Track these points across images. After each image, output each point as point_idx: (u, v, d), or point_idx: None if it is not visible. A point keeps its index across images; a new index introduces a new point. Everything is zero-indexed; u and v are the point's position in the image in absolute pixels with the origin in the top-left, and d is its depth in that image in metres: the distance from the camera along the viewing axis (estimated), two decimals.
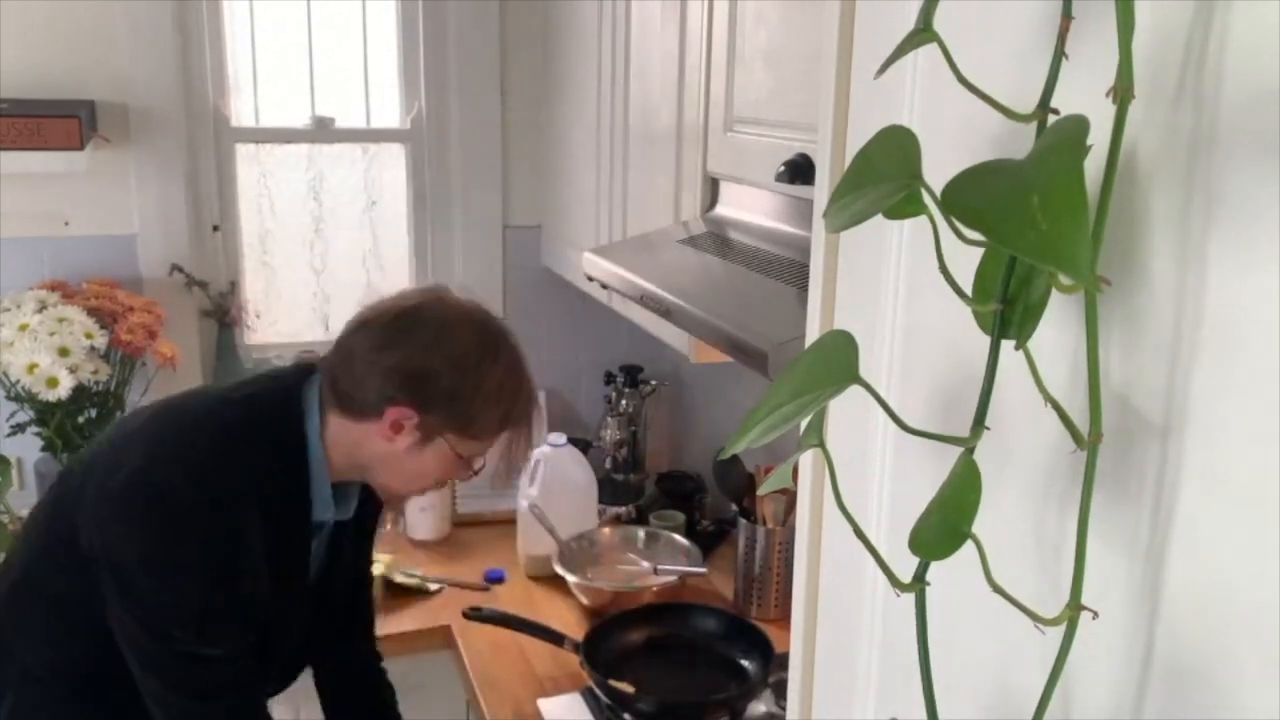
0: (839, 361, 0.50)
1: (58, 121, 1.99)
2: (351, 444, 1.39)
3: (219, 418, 1.38)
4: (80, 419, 2.08)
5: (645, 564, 2.14)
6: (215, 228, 2.37)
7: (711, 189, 1.65)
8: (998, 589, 0.47)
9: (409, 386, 1.35)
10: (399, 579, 2.08)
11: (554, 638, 1.81)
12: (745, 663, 1.81)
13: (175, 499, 1.29)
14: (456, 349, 1.36)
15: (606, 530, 2.25)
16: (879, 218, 0.49)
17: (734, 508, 2.13)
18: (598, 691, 1.70)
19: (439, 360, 1.35)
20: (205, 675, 1.33)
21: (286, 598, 1.41)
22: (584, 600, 2.03)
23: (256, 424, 1.38)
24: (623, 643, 1.84)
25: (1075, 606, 0.45)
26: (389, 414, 1.35)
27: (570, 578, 2.02)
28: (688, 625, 1.89)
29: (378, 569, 1.91)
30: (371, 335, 1.37)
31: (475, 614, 1.87)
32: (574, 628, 1.95)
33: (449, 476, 1.47)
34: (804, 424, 0.53)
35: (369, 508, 1.55)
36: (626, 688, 1.66)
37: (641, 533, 2.23)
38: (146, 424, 1.38)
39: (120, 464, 1.32)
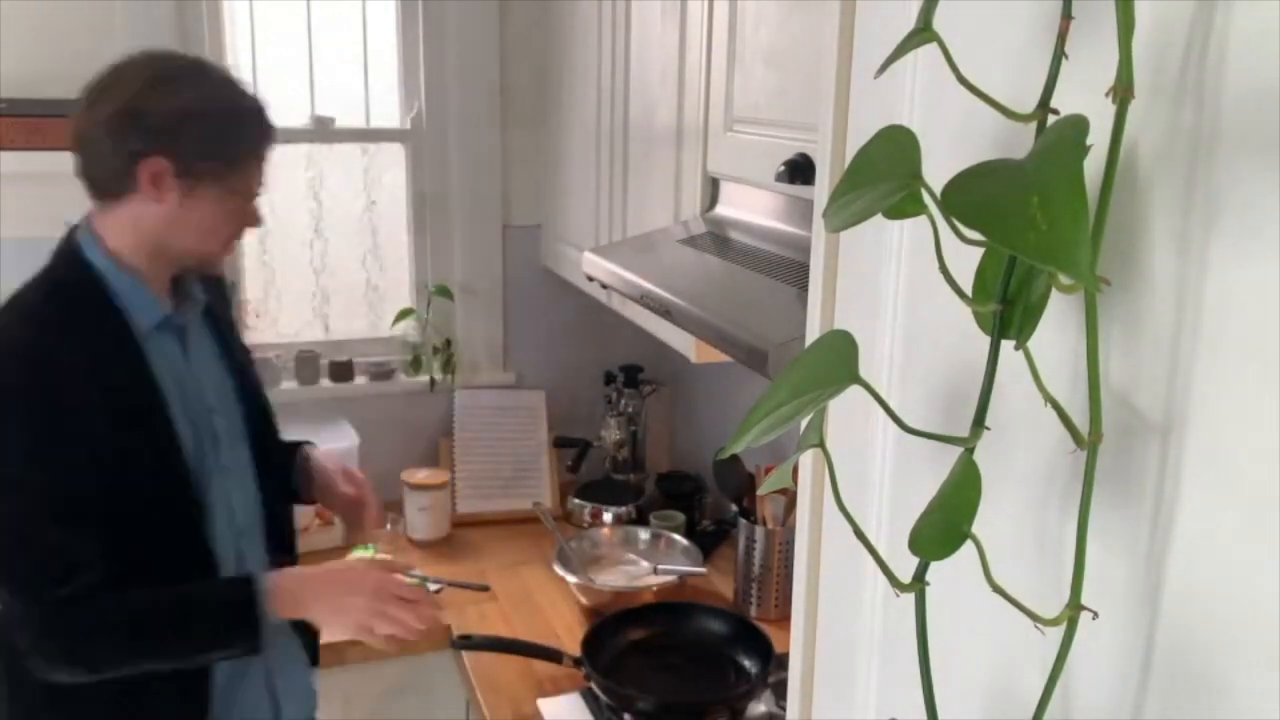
0: (839, 361, 0.50)
1: (58, 121, 1.98)
2: (133, 230, 1.38)
3: (15, 301, 1.40)
4: None
5: (645, 564, 2.14)
6: None
7: (711, 189, 1.65)
8: (997, 589, 0.47)
9: (139, 128, 1.33)
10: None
11: (550, 655, 1.78)
12: (745, 662, 1.81)
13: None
14: (163, 76, 1.36)
15: (606, 530, 2.25)
16: (879, 218, 0.49)
17: (734, 508, 2.13)
18: (598, 691, 1.70)
19: (153, 95, 1.34)
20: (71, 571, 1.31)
21: (157, 435, 1.38)
22: (583, 600, 2.03)
23: (50, 281, 1.40)
24: (622, 642, 1.84)
25: (1075, 606, 0.45)
26: (142, 172, 1.34)
27: (570, 578, 2.03)
28: (688, 625, 1.90)
29: None
30: (84, 107, 1.36)
31: (465, 643, 1.84)
32: (574, 627, 1.95)
33: (237, 221, 1.44)
34: (804, 424, 0.53)
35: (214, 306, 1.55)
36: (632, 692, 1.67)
37: (643, 533, 2.23)
38: None
39: None
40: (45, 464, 1.31)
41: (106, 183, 1.38)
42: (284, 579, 1.43)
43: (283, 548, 1.60)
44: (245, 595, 1.39)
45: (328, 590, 1.45)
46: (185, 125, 1.34)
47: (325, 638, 1.64)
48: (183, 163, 1.35)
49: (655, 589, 2.01)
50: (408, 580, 1.57)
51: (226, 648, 1.41)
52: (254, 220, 1.47)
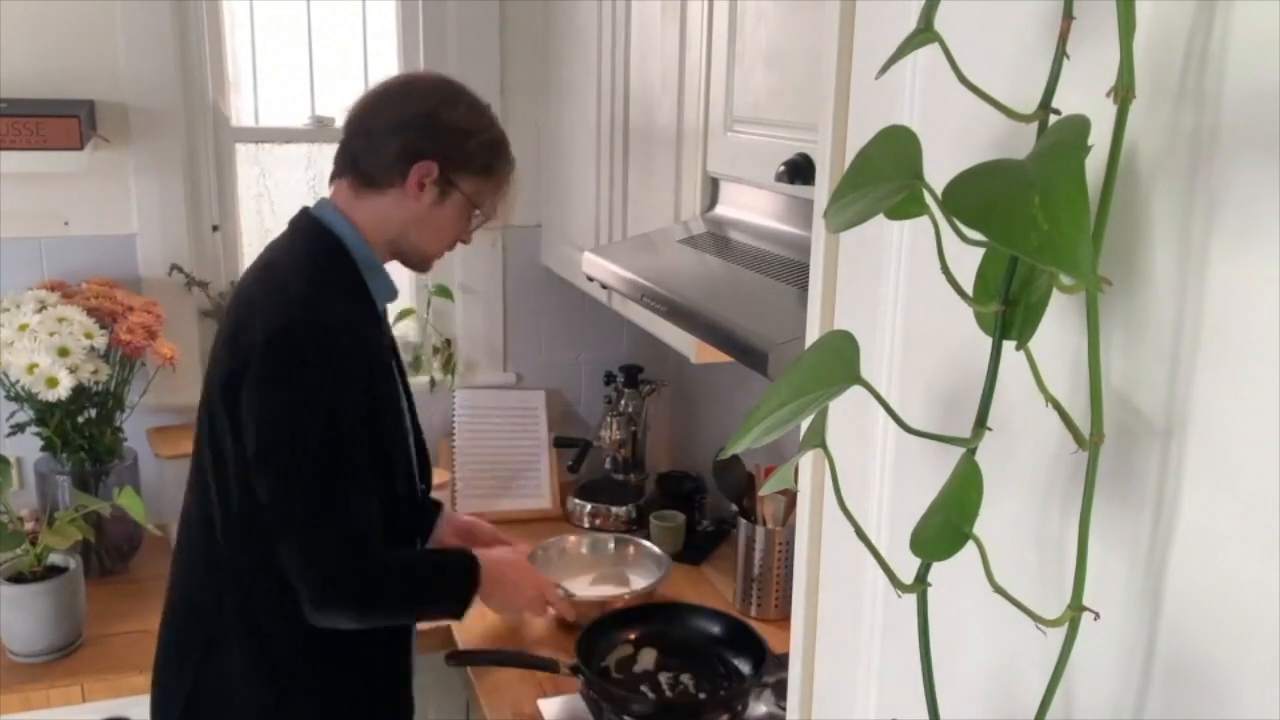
0: (840, 362, 0.50)
1: (58, 121, 1.99)
2: (383, 219, 1.56)
3: (295, 287, 1.49)
4: (80, 419, 2.08)
5: (616, 570, 2.14)
6: (215, 227, 2.37)
7: (711, 189, 1.65)
8: (999, 590, 0.47)
9: (424, 133, 1.53)
10: None
11: (546, 665, 1.78)
12: (738, 663, 1.81)
13: (316, 349, 1.44)
14: (450, 95, 1.58)
15: (573, 538, 2.22)
16: (879, 218, 0.49)
17: (734, 508, 2.13)
18: (595, 697, 1.70)
19: (446, 108, 1.56)
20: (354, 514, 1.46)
21: (397, 407, 1.59)
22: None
23: (307, 258, 1.53)
24: (616, 642, 1.85)
25: (1077, 607, 0.45)
26: (414, 172, 1.54)
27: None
28: (682, 625, 1.89)
29: None
30: (372, 107, 1.58)
31: (455, 660, 1.84)
32: (573, 628, 1.95)
33: (464, 232, 1.64)
34: (805, 424, 0.53)
35: None
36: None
37: (610, 541, 2.22)
38: (244, 323, 1.48)
39: (248, 368, 1.44)
40: (359, 411, 1.47)
41: (374, 174, 1.55)
42: (489, 559, 1.65)
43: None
44: (471, 566, 1.62)
45: (513, 578, 1.71)
46: (464, 141, 1.56)
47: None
48: (448, 172, 1.55)
49: (627, 597, 1.99)
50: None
51: (445, 609, 1.64)
52: (468, 238, 1.67)
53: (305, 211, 1.59)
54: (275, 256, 1.57)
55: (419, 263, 1.66)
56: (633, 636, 1.87)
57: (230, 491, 1.50)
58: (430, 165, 1.54)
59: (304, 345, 1.44)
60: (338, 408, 1.44)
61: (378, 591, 1.52)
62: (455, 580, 1.61)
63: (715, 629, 1.87)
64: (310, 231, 1.57)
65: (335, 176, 1.61)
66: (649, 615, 1.91)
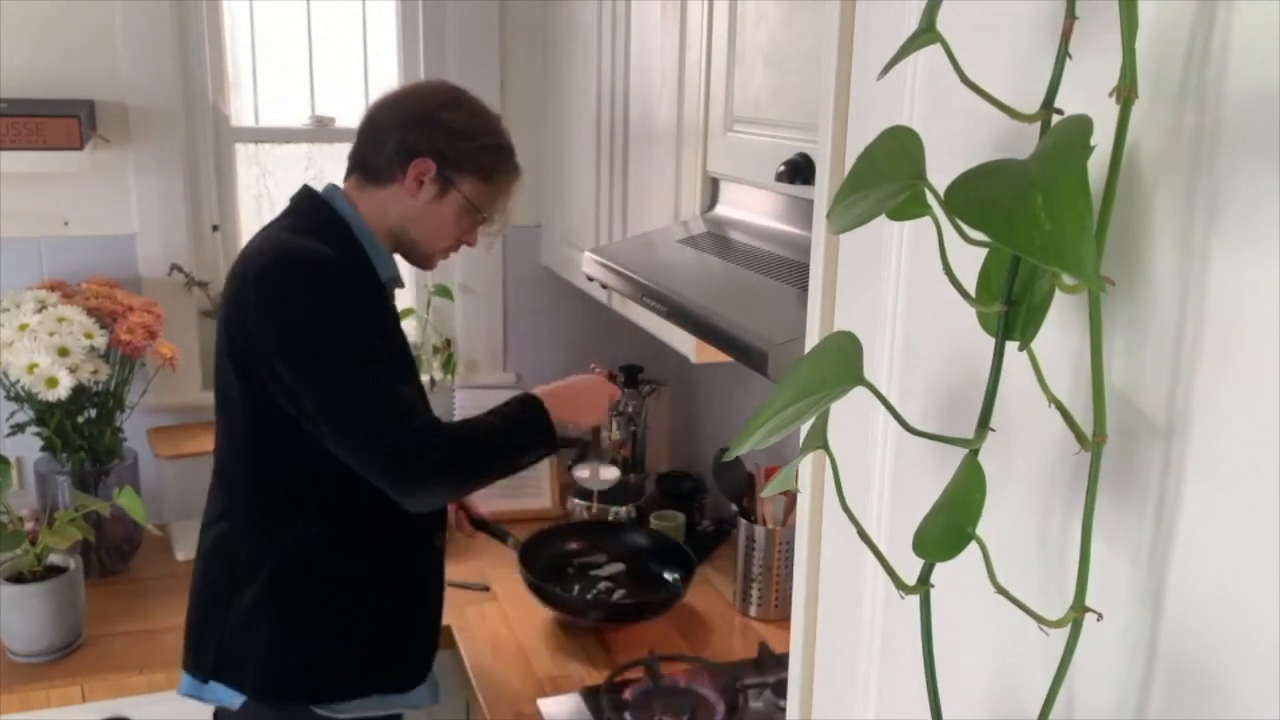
0: (843, 363, 0.50)
1: (57, 121, 1.99)
2: (383, 210, 1.63)
3: (280, 236, 1.58)
4: (80, 419, 2.08)
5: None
6: (215, 227, 2.37)
7: (711, 189, 1.65)
8: (1001, 590, 0.47)
9: (422, 131, 1.60)
10: None
11: (499, 534, 1.99)
12: (667, 575, 2.08)
13: (312, 273, 1.52)
14: (453, 98, 1.65)
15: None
16: (880, 218, 0.49)
17: (734, 508, 2.13)
18: (534, 584, 1.92)
19: (444, 110, 1.63)
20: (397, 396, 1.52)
21: (406, 357, 1.65)
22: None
23: (306, 221, 1.61)
24: (559, 550, 2.13)
25: (1079, 608, 0.45)
26: (411, 169, 1.60)
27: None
28: (616, 540, 2.19)
29: None
30: (385, 107, 1.65)
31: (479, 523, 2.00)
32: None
33: (464, 233, 1.69)
34: (807, 426, 0.53)
35: None
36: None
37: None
38: (245, 273, 1.54)
39: (246, 310, 1.51)
40: (374, 328, 1.55)
41: (377, 169, 1.63)
42: (546, 390, 1.68)
43: None
44: (531, 399, 1.65)
45: (579, 389, 1.73)
46: (461, 142, 1.62)
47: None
48: (445, 171, 1.61)
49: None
50: None
51: (530, 445, 1.64)
52: (472, 241, 1.72)
53: (305, 187, 1.67)
54: (266, 225, 1.65)
55: (420, 259, 1.71)
56: (574, 547, 2.16)
57: (236, 429, 1.60)
58: (427, 162, 1.60)
59: (292, 273, 1.51)
60: (340, 317, 1.51)
61: (456, 448, 1.55)
62: (525, 415, 1.64)
63: (646, 543, 2.17)
64: (306, 202, 1.65)
65: (346, 175, 1.68)
66: (589, 531, 2.21)
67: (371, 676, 1.64)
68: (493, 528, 1.98)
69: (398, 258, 1.70)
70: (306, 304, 1.51)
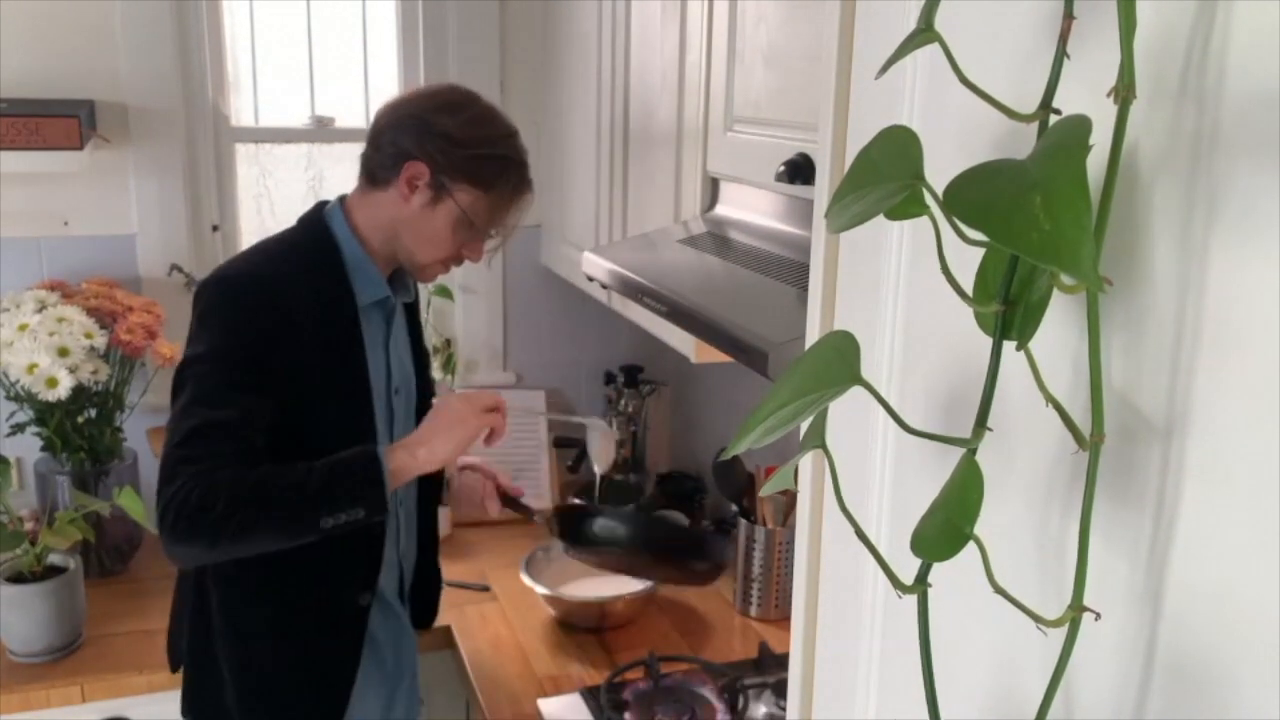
0: (841, 362, 0.50)
1: (57, 121, 1.99)
2: (377, 216, 1.60)
3: (256, 247, 1.61)
4: (80, 419, 2.08)
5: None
6: (215, 227, 2.37)
7: (711, 189, 1.65)
8: (1000, 590, 0.47)
9: (417, 135, 1.55)
10: None
11: (523, 510, 1.87)
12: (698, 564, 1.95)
13: (228, 287, 1.50)
14: (455, 102, 1.60)
15: None
16: (880, 218, 0.49)
17: (734, 508, 2.13)
18: (571, 549, 1.88)
19: (442, 113, 1.57)
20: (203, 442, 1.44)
21: (354, 388, 1.56)
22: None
23: (289, 239, 1.61)
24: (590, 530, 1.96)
25: (1077, 608, 0.45)
26: (404, 172, 1.55)
27: (538, 589, 1.98)
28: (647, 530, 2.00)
29: None
30: (387, 108, 1.62)
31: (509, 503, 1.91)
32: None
33: (461, 247, 1.62)
34: (806, 425, 0.53)
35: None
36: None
37: None
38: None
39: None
40: (256, 353, 1.47)
41: (374, 171, 1.60)
42: (395, 445, 1.53)
43: (426, 526, 1.81)
44: (368, 454, 1.47)
45: (429, 428, 1.54)
46: (454, 147, 1.55)
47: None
48: (438, 176, 1.56)
49: (627, 598, 1.98)
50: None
51: (349, 507, 1.44)
52: (474, 255, 1.66)
53: (317, 204, 1.66)
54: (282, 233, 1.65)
55: (415, 270, 1.65)
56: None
57: None
58: (419, 166, 1.55)
59: (211, 288, 1.51)
60: (222, 349, 1.46)
61: (201, 514, 1.39)
62: (346, 468, 1.45)
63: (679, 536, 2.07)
64: (305, 218, 1.64)
65: (358, 180, 1.67)
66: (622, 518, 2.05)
67: None
68: (521, 506, 1.86)
69: None
70: (201, 321, 1.49)
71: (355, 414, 1.57)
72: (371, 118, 1.65)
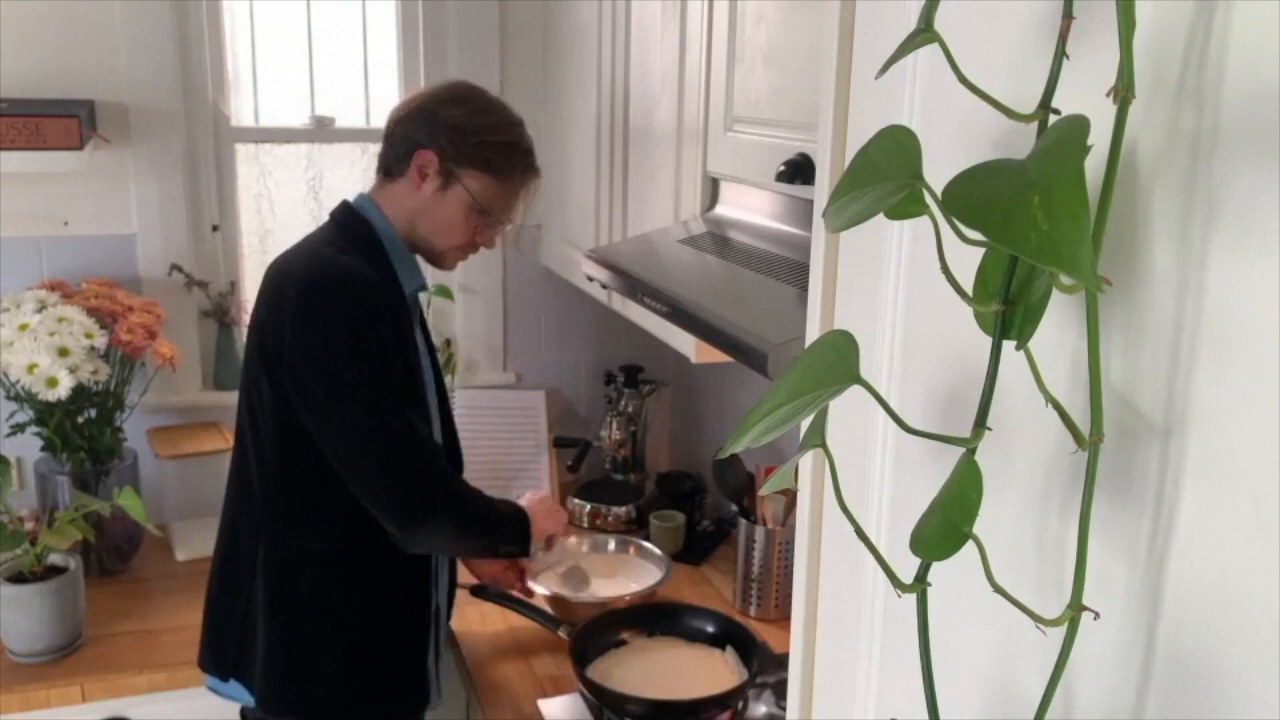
0: (840, 361, 0.50)
1: (57, 121, 1.99)
2: (398, 207, 1.66)
3: (325, 252, 1.61)
4: (80, 419, 2.08)
5: (616, 570, 2.13)
6: (215, 227, 2.37)
7: (711, 189, 1.65)
8: (999, 589, 0.47)
9: (425, 125, 1.63)
10: None
11: (551, 621, 1.87)
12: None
13: (353, 295, 1.54)
14: (461, 95, 1.68)
15: (572, 539, 2.19)
16: (879, 217, 0.49)
17: (734, 508, 2.13)
18: (584, 692, 1.69)
19: (449, 105, 1.65)
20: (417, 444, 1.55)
21: (416, 379, 1.62)
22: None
23: (337, 236, 1.64)
24: (612, 640, 1.83)
25: (1076, 607, 0.45)
26: (414, 161, 1.63)
27: (539, 589, 1.97)
28: (678, 624, 1.87)
29: None
30: (399, 105, 1.70)
31: (479, 592, 1.94)
32: (555, 634, 1.94)
33: (475, 233, 1.69)
34: (805, 424, 0.53)
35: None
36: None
37: (610, 541, 2.22)
38: (284, 283, 1.57)
39: (284, 317, 1.54)
40: (403, 354, 1.57)
41: (389, 165, 1.68)
42: (534, 507, 1.76)
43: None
44: (523, 514, 1.72)
45: (549, 518, 1.80)
46: (462, 135, 1.63)
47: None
48: (447, 163, 1.63)
49: (627, 598, 1.97)
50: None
51: (510, 539, 1.71)
52: (489, 242, 1.74)
53: (344, 202, 1.70)
54: (309, 236, 1.68)
55: (433, 257, 1.72)
56: (630, 635, 1.85)
57: (259, 427, 1.60)
58: (428, 155, 1.62)
59: (330, 292, 1.53)
60: (369, 340, 1.52)
61: (459, 500, 1.59)
62: (514, 517, 1.71)
63: (711, 628, 1.86)
64: (342, 215, 1.67)
65: (375, 175, 1.73)
66: (647, 615, 1.89)
67: (361, 707, 1.63)
68: (544, 615, 1.94)
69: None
70: (345, 326, 1.52)
71: (418, 403, 1.64)
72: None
